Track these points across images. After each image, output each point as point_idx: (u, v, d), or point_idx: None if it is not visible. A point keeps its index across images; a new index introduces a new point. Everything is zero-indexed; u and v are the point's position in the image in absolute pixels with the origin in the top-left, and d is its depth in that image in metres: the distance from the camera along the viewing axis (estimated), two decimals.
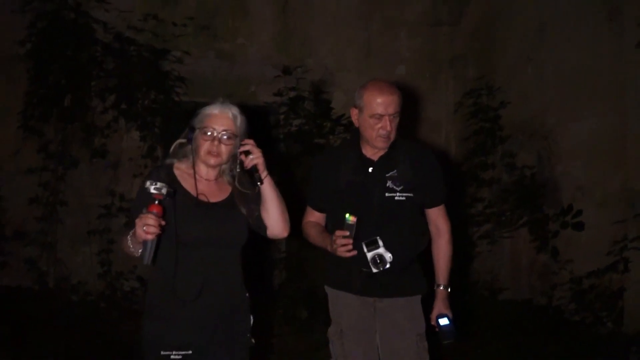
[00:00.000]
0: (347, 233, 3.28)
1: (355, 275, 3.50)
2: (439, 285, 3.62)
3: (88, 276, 6.94)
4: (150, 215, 2.65)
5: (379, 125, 3.44)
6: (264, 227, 3.16)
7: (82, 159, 7.01)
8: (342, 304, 3.61)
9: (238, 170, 3.11)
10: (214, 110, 3.06)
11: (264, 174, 3.04)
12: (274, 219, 3.14)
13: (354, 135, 3.71)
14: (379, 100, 3.42)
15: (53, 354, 5.53)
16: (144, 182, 2.89)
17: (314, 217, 3.73)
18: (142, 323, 3.01)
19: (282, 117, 7.67)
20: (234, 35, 7.70)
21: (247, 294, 3.15)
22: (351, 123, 7.21)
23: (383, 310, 3.56)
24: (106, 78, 7.03)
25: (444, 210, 3.68)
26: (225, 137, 3.02)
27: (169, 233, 2.83)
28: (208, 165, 3.07)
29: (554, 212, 6.59)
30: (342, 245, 3.29)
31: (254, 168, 3.04)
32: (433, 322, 3.58)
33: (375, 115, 3.43)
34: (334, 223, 3.57)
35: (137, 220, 2.65)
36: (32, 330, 5.85)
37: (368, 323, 3.56)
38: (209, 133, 3.00)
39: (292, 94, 7.57)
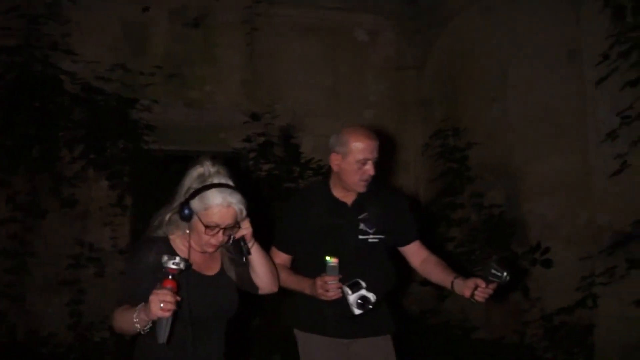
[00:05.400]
0: (334, 278, 3.29)
1: (330, 318, 3.51)
2: (457, 277, 3.54)
3: (58, 328, 6.83)
4: (167, 292, 2.52)
5: (364, 169, 3.50)
6: (255, 287, 3.17)
7: (50, 209, 6.95)
8: (314, 347, 3.59)
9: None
10: (219, 203, 2.84)
11: (250, 243, 3.01)
12: (265, 281, 3.15)
13: (324, 178, 3.75)
14: (366, 145, 3.49)
15: None
16: (135, 256, 2.87)
17: (280, 259, 3.68)
18: None
19: (251, 162, 7.71)
20: (202, 82, 7.77)
21: None
22: (320, 167, 7.33)
23: (358, 353, 3.57)
24: (74, 128, 7.02)
25: (421, 242, 3.82)
26: (228, 229, 2.90)
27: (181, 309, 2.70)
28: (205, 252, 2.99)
29: (523, 250, 6.63)
30: (331, 290, 3.29)
31: (242, 239, 2.98)
32: (482, 285, 3.34)
33: (361, 160, 3.49)
34: (304, 265, 3.59)
35: (152, 297, 2.50)
36: None
37: None
38: (214, 231, 2.87)
39: (261, 139, 7.65)
